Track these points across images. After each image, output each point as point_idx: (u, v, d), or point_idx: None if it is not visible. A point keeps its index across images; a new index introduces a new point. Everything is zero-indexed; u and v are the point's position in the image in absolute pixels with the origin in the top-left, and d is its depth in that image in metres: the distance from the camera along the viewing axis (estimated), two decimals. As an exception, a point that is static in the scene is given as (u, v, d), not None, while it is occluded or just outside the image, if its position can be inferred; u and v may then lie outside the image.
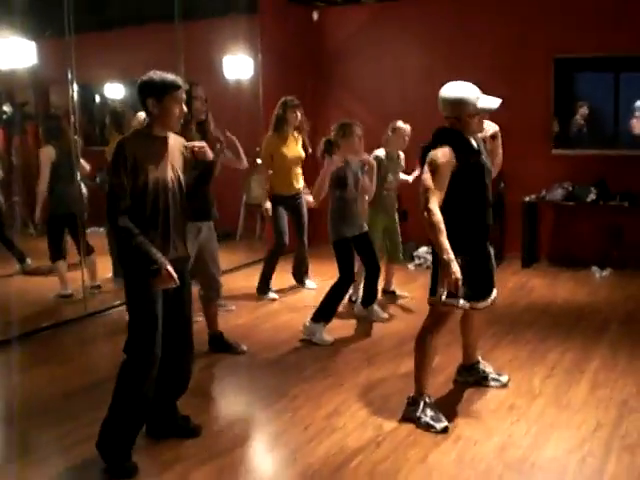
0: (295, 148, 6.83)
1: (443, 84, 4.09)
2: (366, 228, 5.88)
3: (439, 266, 3.91)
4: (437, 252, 3.88)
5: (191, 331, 3.93)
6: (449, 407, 4.27)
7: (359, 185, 5.77)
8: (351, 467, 3.60)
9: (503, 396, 4.44)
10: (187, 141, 3.94)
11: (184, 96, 3.66)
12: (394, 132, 6.39)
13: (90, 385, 4.77)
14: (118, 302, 6.47)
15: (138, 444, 3.70)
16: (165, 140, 3.64)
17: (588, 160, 7.95)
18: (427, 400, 4.11)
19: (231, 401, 4.73)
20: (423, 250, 8.25)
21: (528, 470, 3.54)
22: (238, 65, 8.67)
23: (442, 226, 3.81)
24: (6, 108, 5.39)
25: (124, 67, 8.47)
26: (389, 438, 3.91)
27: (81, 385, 4.78)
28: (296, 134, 6.86)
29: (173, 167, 3.64)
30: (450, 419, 4.09)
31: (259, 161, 7.25)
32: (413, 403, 4.13)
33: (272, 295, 6.98)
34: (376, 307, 6.19)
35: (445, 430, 3.96)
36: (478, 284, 4.17)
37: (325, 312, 5.63)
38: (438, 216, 3.81)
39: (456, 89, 4.01)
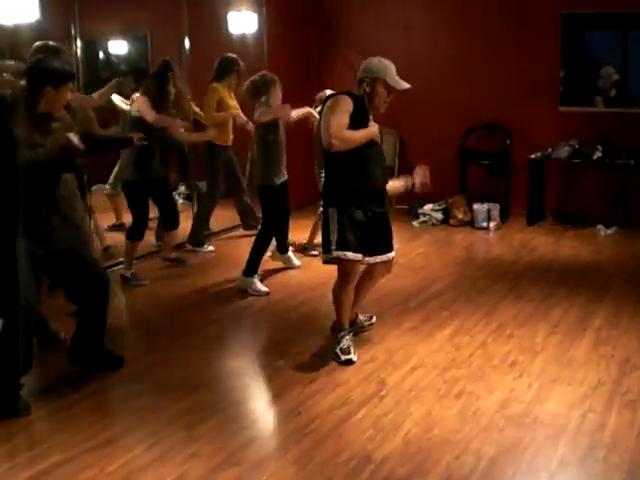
0: (234, 100, 6.75)
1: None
2: (286, 177, 5.90)
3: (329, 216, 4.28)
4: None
5: (99, 267, 4.31)
6: (451, 364, 4.33)
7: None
8: (355, 420, 3.65)
9: (506, 352, 4.48)
10: None
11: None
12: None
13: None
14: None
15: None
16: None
17: (595, 118, 7.89)
18: (345, 334, 4.44)
19: (235, 354, 4.77)
20: (428, 207, 8.25)
21: (530, 425, 3.57)
22: (242, 20, 8.57)
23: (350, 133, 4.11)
24: (10, 63, 5.40)
25: (128, 22, 8.38)
26: (392, 392, 3.95)
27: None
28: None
29: None
30: (452, 375, 4.15)
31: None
32: (334, 330, 4.55)
33: (209, 248, 7.08)
34: (291, 254, 6.38)
35: (348, 362, 4.30)
36: (370, 239, 4.35)
37: (252, 266, 5.76)
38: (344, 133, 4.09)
39: (380, 60, 4.28)
